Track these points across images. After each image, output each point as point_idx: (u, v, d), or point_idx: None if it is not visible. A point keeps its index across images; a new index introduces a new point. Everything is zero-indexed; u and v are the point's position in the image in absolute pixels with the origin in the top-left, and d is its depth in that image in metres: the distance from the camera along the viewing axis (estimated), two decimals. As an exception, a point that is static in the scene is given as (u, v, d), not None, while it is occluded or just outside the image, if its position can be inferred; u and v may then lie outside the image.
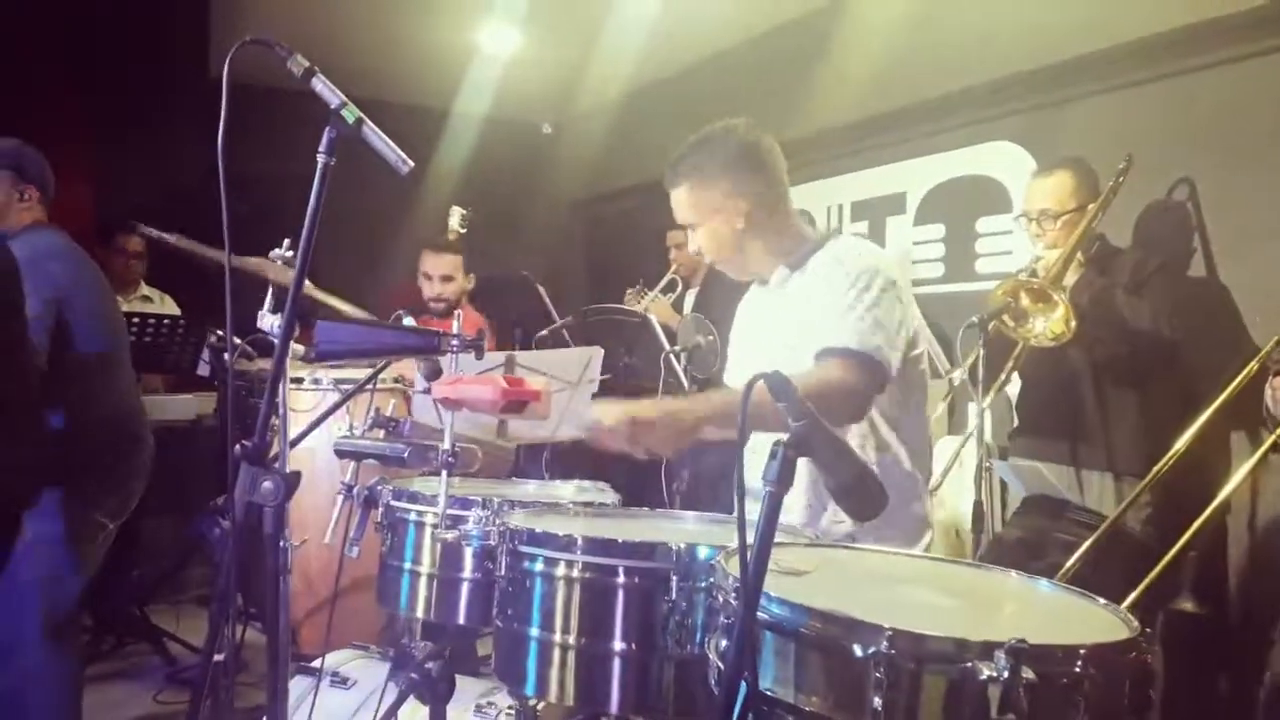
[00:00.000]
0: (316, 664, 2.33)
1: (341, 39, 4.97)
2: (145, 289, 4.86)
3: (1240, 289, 3.01)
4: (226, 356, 1.73)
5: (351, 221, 5.34)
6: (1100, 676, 0.97)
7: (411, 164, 1.58)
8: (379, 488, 1.94)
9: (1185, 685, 3.00)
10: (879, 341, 1.87)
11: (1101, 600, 1.19)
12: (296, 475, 1.51)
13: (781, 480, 1.01)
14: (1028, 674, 0.92)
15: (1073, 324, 2.54)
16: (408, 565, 1.90)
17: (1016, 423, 3.18)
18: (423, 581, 1.87)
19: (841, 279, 1.95)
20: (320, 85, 1.55)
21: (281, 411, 1.60)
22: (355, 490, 1.98)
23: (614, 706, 1.41)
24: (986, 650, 0.95)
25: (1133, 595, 2.39)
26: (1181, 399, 2.74)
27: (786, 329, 2.05)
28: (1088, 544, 2.49)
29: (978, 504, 3.03)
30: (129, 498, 2.80)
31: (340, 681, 2.34)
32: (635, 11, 4.69)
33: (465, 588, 1.81)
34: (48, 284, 2.52)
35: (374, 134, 1.55)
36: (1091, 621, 1.12)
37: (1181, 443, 2.49)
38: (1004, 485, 3.33)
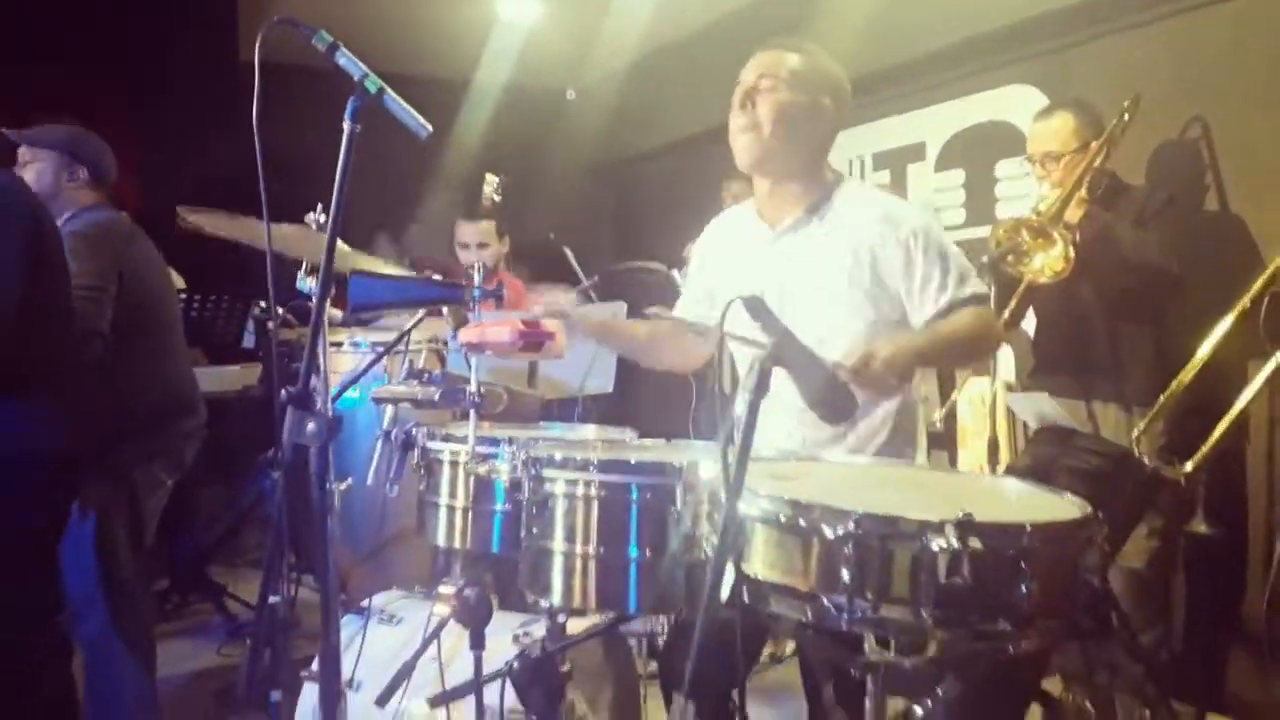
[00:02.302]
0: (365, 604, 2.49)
1: (362, 15, 5.06)
2: None
3: (1255, 224, 3.05)
4: (270, 325, 1.86)
5: (377, 193, 5.48)
6: (1047, 551, 1.09)
7: (430, 128, 1.70)
8: (414, 431, 2.08)
9: (1206, 606, 3.08)
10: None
11: (1067, 494, 1.30)
12: (339, 418, 1.65)
13: (759, 389, 1.13)
14: (975, 544, 1.04)
15: (1071, 258, 2.60)
16: (444, 500, 2.03)
17: (1033, 361, 3.25)
18: (458, 515, 2.01)
19: (921, 240, 2.07)
20: (344, 59, 1.67)
21: (322, 361, 1.74)
22: (393, 434, 2.13)
23: (632, 606, 1.55)
24: (940, 527, 1.06)
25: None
26: (1196, 333, 2.78)
27: (819, 277, 2.02)
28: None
29: (992, 440, 3.13)
30: (182, 458, 2.97)
31: (388, 619, 2.49)
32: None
33: (497, 519, 1.95)
34: (109, 257, 2.69)
35: (395, 102, 1.68)
36: (1052, 509, 1.23)
37: (1204, 350, 2.53)
38: (1025, 424, 3.40)
